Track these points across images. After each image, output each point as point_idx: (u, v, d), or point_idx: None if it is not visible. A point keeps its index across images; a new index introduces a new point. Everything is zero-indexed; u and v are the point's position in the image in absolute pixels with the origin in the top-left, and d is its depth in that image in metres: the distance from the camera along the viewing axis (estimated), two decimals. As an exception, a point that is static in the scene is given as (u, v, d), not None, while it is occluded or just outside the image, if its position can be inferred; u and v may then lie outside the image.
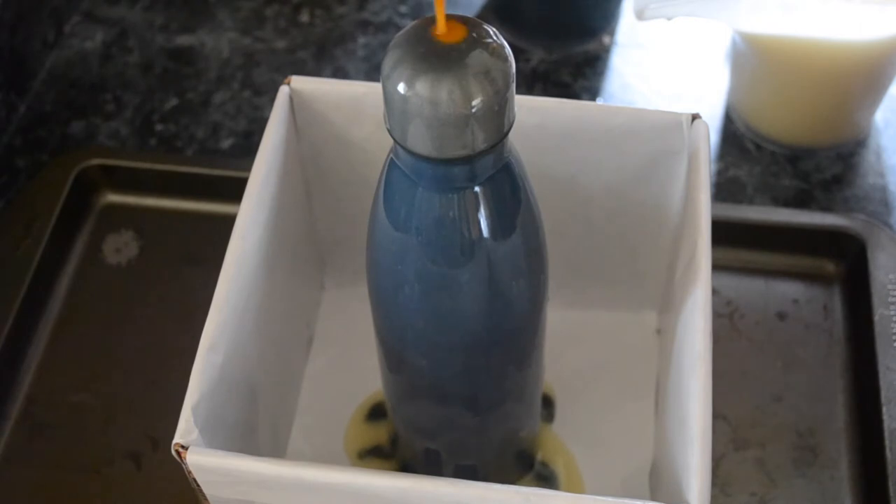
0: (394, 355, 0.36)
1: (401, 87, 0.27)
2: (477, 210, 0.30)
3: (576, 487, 0.42)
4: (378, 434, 0.44)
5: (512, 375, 0.36)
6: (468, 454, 0.40)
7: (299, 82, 0.39)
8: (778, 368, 0.47)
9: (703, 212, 0.35)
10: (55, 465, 0.44)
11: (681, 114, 0.38)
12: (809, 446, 0.44)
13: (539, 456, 0.43)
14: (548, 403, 0.44)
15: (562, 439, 0.44)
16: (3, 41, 0.55)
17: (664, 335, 0.44)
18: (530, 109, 0.38)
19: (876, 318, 0.46)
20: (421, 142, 0.28)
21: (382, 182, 0.31)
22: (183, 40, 0.60)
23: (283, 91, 0.39)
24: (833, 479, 0.44)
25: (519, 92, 0.29)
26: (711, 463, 0.31)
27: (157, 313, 0.49)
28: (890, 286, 0.47)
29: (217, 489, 0.32)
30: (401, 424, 0.40)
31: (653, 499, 0.38)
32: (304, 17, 0.61)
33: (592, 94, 0.57)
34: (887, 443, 0.43)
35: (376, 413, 0.44)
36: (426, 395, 0.36)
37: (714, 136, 0.55)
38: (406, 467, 0.42)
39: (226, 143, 0.56)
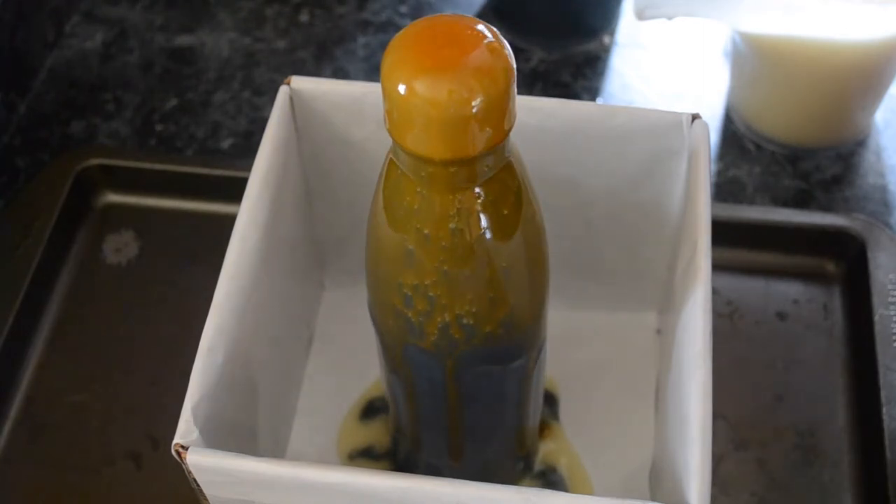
0: (394, 354, 0.36)
1: (401, 88, 0.27)
2: (478, 211, 0.30)
3: (582, 486, 0.42)
4: (370, 435, 0.44)
5: (514, 373, 0.36)
6: (467, 451, 0.40)
7: (299, 82, 0.39)
8: (778, 368, 0.47)
9: (703, 212, 0.35)
10: (55, 465, 0.44)
11: (681, 114, 0.38)
12: (809, 446, 0.44)
13: (541, 455, 0.43)
14: (551, 401, 0.44)
15: (566, 437, 0.44)
16: (3, 41, 0.55)
17: (664, 335, 0.44)
18: (530, 109, 0.38)
19: (876, 318, 0.46)
20: (421, 142, 0.28)
21: (382, 182, 0.31)
22: (183, 40, 0.60)
23: (283, 91, 0.39)
24: (833, 479, 0.44)
25: (519, 92, 0.29)
26: (711, 463, 0.31)
27: (157, 313, 0.49)
28: (890, 286, 0.47)
29: (217, 489, 0.32)
30: (401, 421, 0.40)
31: (653, 499, 0.38)
32: (304, 17, 0.61)
33: (592, 94, 0.57)
34: (887, 443, 0.43)
35: (371, 411, 0.44)
36: (426, 392, 0.36)
37: (714, 136, 0.55)
38: (405, 461, 0.42)
39: (226, 143, 0.56)
